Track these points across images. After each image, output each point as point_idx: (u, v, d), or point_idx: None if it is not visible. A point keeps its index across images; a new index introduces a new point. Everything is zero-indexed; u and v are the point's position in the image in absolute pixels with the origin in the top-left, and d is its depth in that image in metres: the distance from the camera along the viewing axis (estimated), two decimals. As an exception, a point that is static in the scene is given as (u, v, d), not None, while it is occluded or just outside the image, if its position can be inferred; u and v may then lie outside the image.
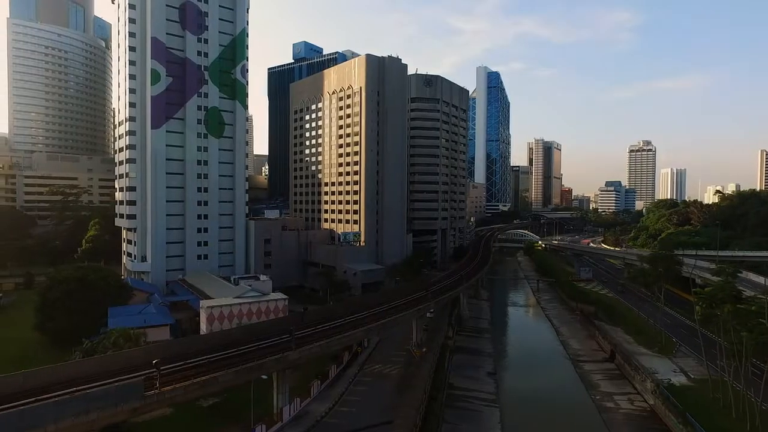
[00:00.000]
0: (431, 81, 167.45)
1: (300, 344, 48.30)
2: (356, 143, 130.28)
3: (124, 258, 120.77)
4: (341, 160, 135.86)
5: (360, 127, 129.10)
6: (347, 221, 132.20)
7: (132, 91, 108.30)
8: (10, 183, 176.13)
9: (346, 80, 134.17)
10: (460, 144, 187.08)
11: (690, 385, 61.96)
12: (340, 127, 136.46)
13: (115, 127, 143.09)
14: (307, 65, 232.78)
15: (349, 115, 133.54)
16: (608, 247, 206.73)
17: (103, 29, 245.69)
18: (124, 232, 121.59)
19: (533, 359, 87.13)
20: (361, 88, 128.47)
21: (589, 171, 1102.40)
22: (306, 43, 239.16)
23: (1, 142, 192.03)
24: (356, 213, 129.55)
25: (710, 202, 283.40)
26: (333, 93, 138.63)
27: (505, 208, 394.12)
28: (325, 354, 58.63)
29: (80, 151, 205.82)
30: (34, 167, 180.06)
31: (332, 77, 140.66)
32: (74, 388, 34.04)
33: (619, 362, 77.55)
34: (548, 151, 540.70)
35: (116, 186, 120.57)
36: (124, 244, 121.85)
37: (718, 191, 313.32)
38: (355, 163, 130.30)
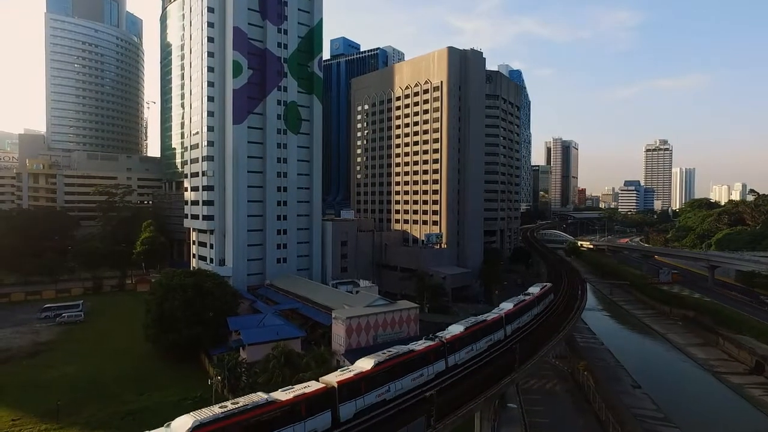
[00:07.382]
0: (491, 77, 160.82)
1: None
2: (435, 140, 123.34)
3: (194, 261, 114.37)
4: (417, 158, 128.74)
5: (441, 124, 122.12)
6: (424, 222, 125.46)
7: (210, 84, 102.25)
8: (51, 183, 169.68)
9: (423, 75, 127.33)
10: (515, 143, 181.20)
11: None
12: (416, 124, 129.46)
13: (184, 125, 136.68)
14: (346, 61, 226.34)
15: (426, 111, 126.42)
16: (655, 247, 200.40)
17: (134, 24, 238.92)
18: (193, 234, 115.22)
19: (664, 369, 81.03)
20: (441, 82, 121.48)
21: (591, 170, 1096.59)
22: (344, 39, 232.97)
23: (39, 140, 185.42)
24: (435, 214, 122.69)
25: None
26: (406, 88, 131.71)
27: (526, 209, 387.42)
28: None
29: (115, 150, 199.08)
30: (73, 166, 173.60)
31: (404, 72, 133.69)
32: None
33: (773, 375, 71.86)
34: (566, 150, 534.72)
35: (187, 185, 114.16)
36: (193, 247, 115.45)
37: (752, 190, 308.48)
38: (435, 162, 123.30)
